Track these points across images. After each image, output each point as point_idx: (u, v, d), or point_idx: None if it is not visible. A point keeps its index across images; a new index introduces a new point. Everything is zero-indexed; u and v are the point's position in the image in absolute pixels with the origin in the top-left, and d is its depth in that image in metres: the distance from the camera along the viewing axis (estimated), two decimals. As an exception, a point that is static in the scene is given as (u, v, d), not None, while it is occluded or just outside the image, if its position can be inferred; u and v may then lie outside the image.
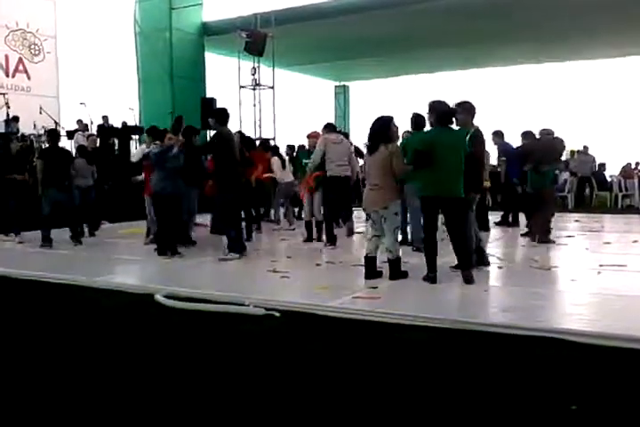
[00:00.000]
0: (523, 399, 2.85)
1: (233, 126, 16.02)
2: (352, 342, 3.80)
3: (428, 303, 4.77)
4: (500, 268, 6.35)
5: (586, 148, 15.52)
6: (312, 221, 8.29)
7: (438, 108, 5.50)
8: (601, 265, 6.13)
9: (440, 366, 3.32)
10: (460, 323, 4.07)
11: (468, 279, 5.35)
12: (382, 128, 5.57)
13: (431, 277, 5.40)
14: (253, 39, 15.72)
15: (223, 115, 7.22)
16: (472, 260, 5.64)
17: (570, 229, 9.44)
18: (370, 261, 5.62)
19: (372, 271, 5.60)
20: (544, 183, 7.99)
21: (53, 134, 9.07)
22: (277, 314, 4.38)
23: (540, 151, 8.03)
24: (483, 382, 3.07)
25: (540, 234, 7.88)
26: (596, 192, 14.99)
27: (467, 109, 5.88)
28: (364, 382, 3.08)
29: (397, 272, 5.53)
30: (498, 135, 9.51)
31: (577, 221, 11.04)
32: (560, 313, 4.51)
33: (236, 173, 7.13)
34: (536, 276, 5.91)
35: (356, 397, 2.91)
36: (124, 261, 7.20)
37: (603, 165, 15.81)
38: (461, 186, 5.41)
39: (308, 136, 8.48)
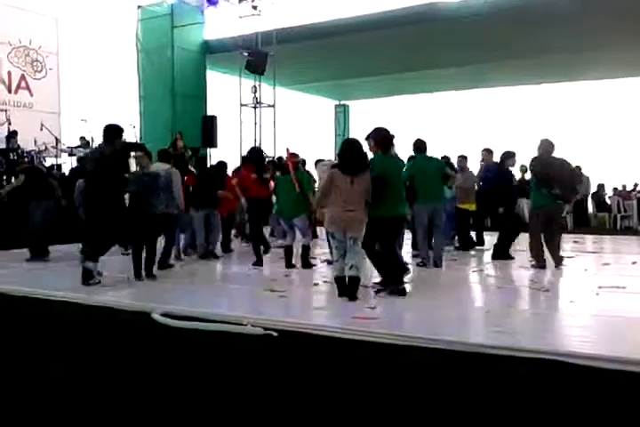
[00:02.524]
0: (523, 422, 2.82)
1: (234, 145, 16.31)
2: (350, 363, 3.77)
3: (426, 324, 4.74)
4: (499, 288, 6.33)
5: (579, 168, 15.46)
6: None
7: (383, 136, 5.86)
8: (600, 287, 6.12)
9: (439, 388, 3.29)
10: (459, 344, 4.03)
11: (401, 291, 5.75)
12: (361, 149, 5.67)
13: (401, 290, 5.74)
14: (255, 58, 15.87)
15: (107, 131, 6.58)
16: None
17: (569, 249, 9.43)
18: (341, 281, 5.62)
19: (344, 290, 5.58)
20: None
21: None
22: (275, 334, 4.35)
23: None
24: (482, 404, 3.04)
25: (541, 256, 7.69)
26: (595, 213, 14.97)
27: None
28: (363, 403, 3.05)
29: (356, 292, 5.55)
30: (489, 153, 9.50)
31: (575, 241, 11.04)
32: (559, 335, 4.49)
33: (108, 198, 6.48)
34: (535, 297, 5.89)
35: (354, 418, 2.88)
36: (121, 279, 7.14)
37: (602, 186, 15.83)
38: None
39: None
